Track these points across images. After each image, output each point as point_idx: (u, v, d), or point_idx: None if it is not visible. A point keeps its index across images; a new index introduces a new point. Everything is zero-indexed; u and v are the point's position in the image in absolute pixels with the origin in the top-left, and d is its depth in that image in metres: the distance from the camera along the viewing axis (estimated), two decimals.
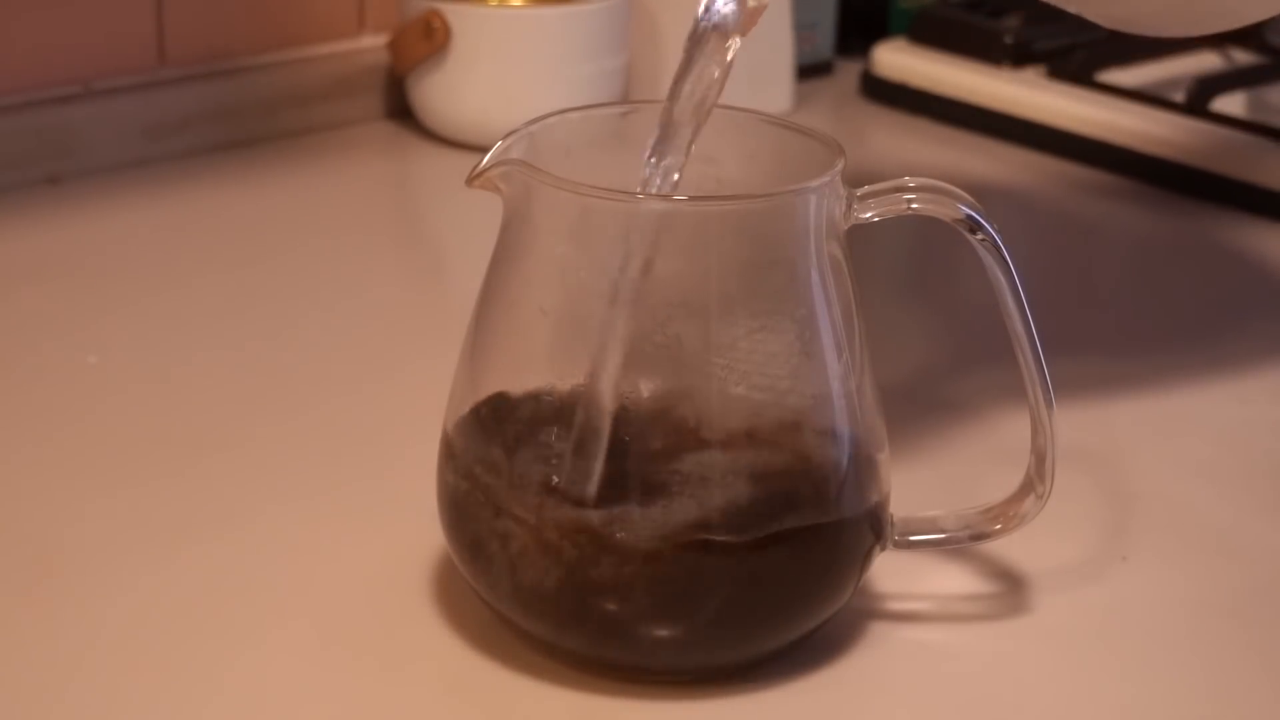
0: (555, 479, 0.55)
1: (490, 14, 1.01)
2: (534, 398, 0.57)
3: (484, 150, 0.57)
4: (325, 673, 0.58)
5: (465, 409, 0.58)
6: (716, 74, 0.57)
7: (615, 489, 0.55)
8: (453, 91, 1.02)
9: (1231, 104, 1.05)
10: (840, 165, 0.57)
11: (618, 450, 0.55)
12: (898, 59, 1.12)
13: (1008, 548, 0.64)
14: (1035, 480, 0.60)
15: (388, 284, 0.88)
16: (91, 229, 0.90)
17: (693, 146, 0.57)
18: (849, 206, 0.57)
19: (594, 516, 0.55)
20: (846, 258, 0.57)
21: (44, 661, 0.58)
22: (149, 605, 0.61)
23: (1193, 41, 1.13)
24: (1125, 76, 1.07)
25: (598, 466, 0.55)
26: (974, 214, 0.58)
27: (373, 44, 1.06)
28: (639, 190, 0.57)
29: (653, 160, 0.57)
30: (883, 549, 0.60)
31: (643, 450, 0.56)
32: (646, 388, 0.56)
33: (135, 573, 0.62)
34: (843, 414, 0.57)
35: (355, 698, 0.57)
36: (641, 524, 0.55)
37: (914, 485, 0.62)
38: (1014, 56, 1.09)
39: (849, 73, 1.16)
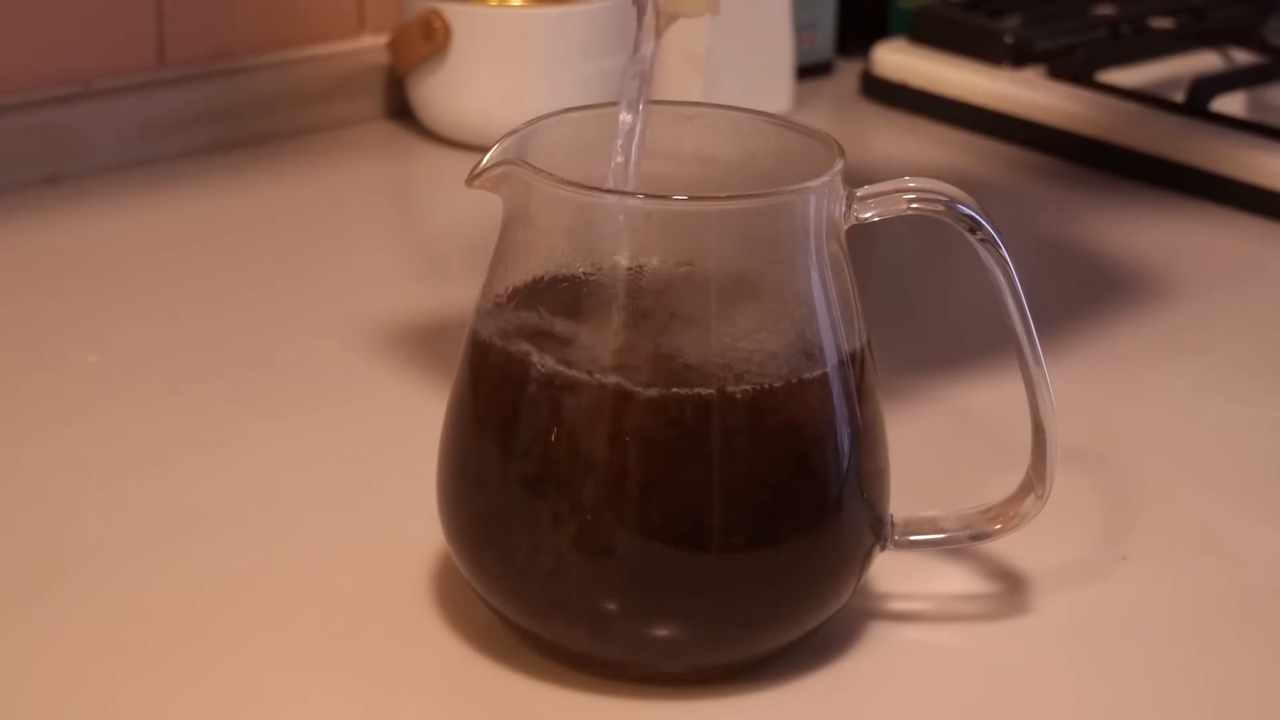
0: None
1: (490, 14, 1.01)
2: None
3: (484, 150, 0.57)
4: (325, 673, 0.58)
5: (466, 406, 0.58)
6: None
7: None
8: (453, 91, 1.02)
9: (1231, 104, 1.05)
10: (840, 165, 0.57)
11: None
12: (898, 59, 1.12)
13: (1008, 548, 0.64)
14: (1035, 480, 0.60)
15: (387, 284, 0.88)
16: (91, 229, 0.90)
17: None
18: (849, 206, 0.57)
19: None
20: (846, 257, 0.57)
21: (43, 661, 0.58)
22: (148, 605, 0.61)
23: (1192, 41, 1.13)
24: (1125, 76, 1.07)
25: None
26: (974, 214, 0.58)
27: (373, 44, 1.06)
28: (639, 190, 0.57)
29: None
30: (883, 549, 0.60)
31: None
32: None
33: (134, 572, 0.62)
34: (843, 414, 0.57)
35: (355, 698, 0.57)
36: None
37: (914, 485, 0.62)
38: (1014, 56, 1.09)
39: (849, 73, 1.16)
